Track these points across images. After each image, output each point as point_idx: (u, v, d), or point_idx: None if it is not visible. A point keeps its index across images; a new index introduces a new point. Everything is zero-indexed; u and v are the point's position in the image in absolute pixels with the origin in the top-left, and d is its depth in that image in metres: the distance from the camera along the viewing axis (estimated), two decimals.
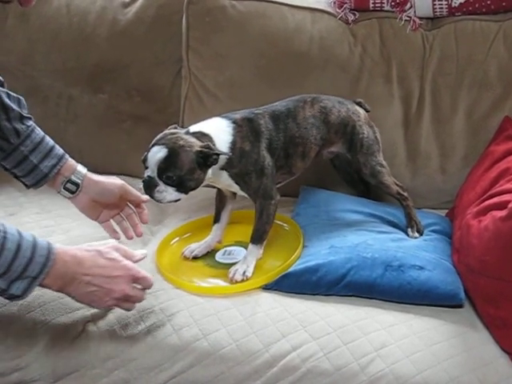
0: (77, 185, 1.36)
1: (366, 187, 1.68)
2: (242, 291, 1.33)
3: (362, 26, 1.74)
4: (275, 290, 1.34)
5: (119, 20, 1.83)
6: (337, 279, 1.32)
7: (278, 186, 1.42)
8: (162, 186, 1.28)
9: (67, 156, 1.37)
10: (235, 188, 1.40)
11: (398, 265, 1.33)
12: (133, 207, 1.42)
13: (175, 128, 1.38)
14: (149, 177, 1.29)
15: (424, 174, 1.73)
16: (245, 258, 1.37)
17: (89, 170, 1.39)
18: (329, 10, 1.76)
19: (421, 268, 1.32)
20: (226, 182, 1.39)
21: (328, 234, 1.45)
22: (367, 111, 1.57)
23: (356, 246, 1.38)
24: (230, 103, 1.70)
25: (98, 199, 1.38)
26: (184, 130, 1.35)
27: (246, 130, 1.38)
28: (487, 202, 1.37)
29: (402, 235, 1.49)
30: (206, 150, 1.29)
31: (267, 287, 1.34)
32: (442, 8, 1.72)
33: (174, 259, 1.46)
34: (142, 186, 1.30)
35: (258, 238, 1.37)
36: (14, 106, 1.33)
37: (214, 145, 1.32)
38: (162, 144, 1.28)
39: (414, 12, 1.72)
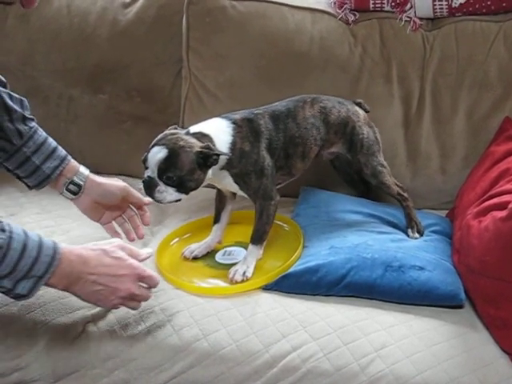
0: (79, 186, 1.36)
1: (366, 188, 1.69)
2: (242, 291, 1.33)
3: (362, 27, 1.74)
4: (275, 290, 1.34)
5: (119, 20, 1.83)
6: (337, 280, 1.32)
7: (278, 187, 1.42)
8: (162, 187, 1.28)
9: (70, 157, 1.38)
10: (235, 188, 1.40)
11: (398, 265, 1.33)
12: (135, 209, 1.42)
13: (175, 128, 1.38)
14: (149, 177, 1.29)
15: (424, 174, 1.73)
16: (245, 259, 1.37)
17: (89, 170, 1.39)
18: (329, 10, 1.76)
19: (421, 268, 1.32)
20: (226, 182, 1.39)
21: (328, 235, 1.45)
22: (367, 112, 1.57)
23: (356, 246, 1.38)
24: (230, 103, 1.70)
25: (100, 201, 1.38)
26: (184, 131, 1.35)
27: (245, 130, 1.38)
28: (487, 203, 1.37)
29: (402, 236, 1.49)
30: (206, 150, 1.29)
31: (267, 288, 1.34)
32: (442, 8, 1.72)
33: (174, 260, 1.46)
34: (142, 186, 1.30)
35: (257, 238, 1.37)
36: (17, 108, 1.33)
37: (214, 145, 1.32)
38: (163, 144, 1.28)
39: (415, 12, 1.72)
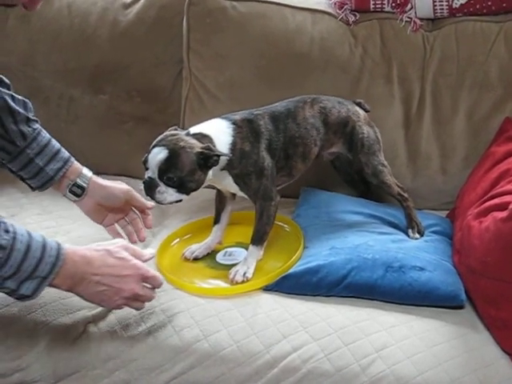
0: (82, 188, 1.36)
1: (367, 188, 1.69)
2: (242, 292, 1.33)
3: (362, 27, 1.74)
4: (276, 291, 1.34)
5: (120, 21, 1.83)
6: (337, 280, 1.32)
7: (278, 188, 1.42)
8: (162, 187, 1.28)
9: (73, 159, 1.38)
10: (235, 189, 1.40)
11: (399, 266, 1.33)
12: (137, 212, 1.42)
13: (175, 129, 1.38)
14: (149, 178, 1.29)
15: (425, 174, 1.73)
16: (245, 259, 1.37)
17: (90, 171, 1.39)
18: (329, 10, 1.76)
19: (421, 269, 1.32)
20: (226, 183, 1.39)
21: (329, 235, 1.45)
22: (367, 111, 1.58)
23: (357, 246, 1.38)
24: (230, 104, 1.70)
25: (103, 203, 1.38)
26: (184, 132, 1.36)
27: (245, 130, 1.38)
28: (488, 203, 1.37)
29: (402, 236, 1.49)
30: (206, 151, 1.29)
31: (268, 288, 1.34)
32: (442, 9, 1.72)
33: (175, 260, 1.46)
34: (142, 187, 1.30)
35: (258, 239, 1.37)
36: (20, 109, 1.34)
37: (214, 146, 1.32)
38: (163, 145, 1.28)
39: (415, 13, 1.72)
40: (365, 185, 1.67)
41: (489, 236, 1.27)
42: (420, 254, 1.38)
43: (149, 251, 1.27)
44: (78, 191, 1.36)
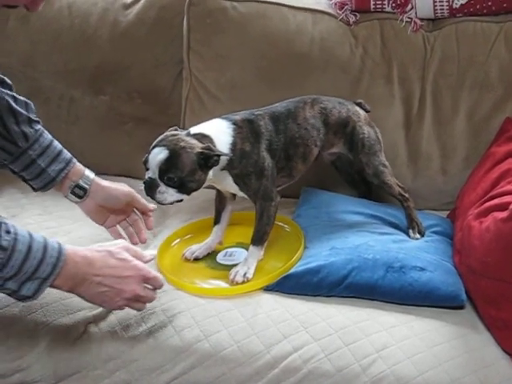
0: (84, 190, 1.36)
1: (367, 188, 1.69)
2: (243, 292, 1.33)
3: (362, 28, 1.74)
4: (276, 291, 1.34)
5: (120, 22, 1.84)
6: (338, 280, 1.32)
7: (278, 189, 1.42)
8: (163, 188, 1.28)
9: (75, 160, 1.38)
10: (235, 189, 1.40)
11: (400, 266, 1.33)
12: (139, 213, 1.42)
13: (176, 130, 1.38)
14: (150, 178, 1.29)
15: (425, 175, 1.73)
16: (246, 260, 1.37)
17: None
18: (330, 11, 1.76)
19: (422, 269, 1.32)
20: (226, 183, 1.39)
21: (329, 236, 1.45)
22: (367, 112, 1.58)
23: (357, 247, 1.38)
24: (230, 104, 1.70)
25: (104, 205, 1.38)
26: (185, 132, 1.36)
27: (246, 131, 1.38)
28: (488, 204, 1.37)
29: (403, 236, 1.49)
30: (207, 151, 1.29)
31: (268, 288, 1.34)
32: (442, 9, 1.72)
33: (175, 261, 1.46)
34: (143, 187, 1.30)
35: (258, 239, 1.37)
36: (22, 110, 1.34)
37: (214, 146, 1.32)
38: (163, 145, 1.28)
39: (415, 13, 1.72)
40: (365, 185, 1.67)
41: (489, 236, 1.27)
42: (420, 254, 1.38)
43: (149, 252, 1.28)
44: (79, 192, 1.37)
